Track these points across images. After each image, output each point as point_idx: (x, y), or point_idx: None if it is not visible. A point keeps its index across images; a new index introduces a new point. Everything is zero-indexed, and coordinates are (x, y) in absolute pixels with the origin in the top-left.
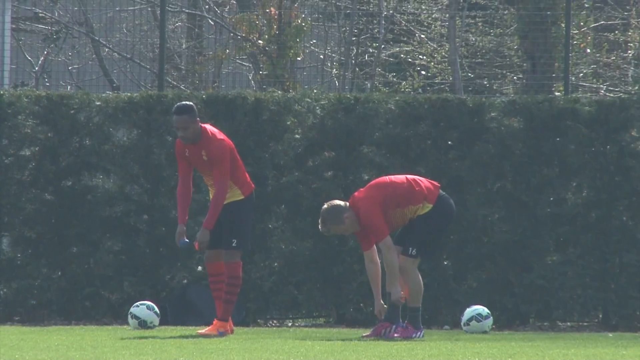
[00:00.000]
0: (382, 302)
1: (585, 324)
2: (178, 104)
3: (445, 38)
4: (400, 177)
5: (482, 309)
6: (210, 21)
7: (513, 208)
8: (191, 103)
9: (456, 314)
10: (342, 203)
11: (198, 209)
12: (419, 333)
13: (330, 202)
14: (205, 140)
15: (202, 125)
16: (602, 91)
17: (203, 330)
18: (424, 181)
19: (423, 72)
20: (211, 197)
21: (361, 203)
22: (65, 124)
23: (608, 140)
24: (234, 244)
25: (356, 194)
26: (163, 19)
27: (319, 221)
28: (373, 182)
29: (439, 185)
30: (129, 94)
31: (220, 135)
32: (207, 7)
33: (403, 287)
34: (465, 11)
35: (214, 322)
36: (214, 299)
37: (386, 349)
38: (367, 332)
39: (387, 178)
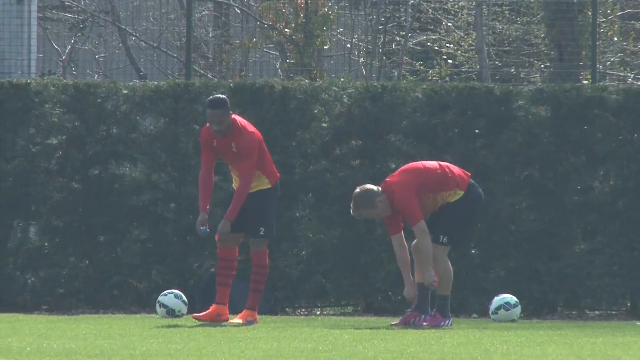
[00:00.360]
0: (412, 286)
1: (613, 312)
2: (212, 97)
3: (472, 26)
4: (433, 163)
5: (510, 298)
6: (237, 9)
7: (540, 196)
8: (225, 97)
9: (484, 302)
10: (374, 187)
11: (226, 197)
12: (447, 321)
13: (363, 186)
14: (236, 133)
15: (232, 116)
16: (630, 79)
17: (232, 319)
18: (455, 168)
19: (450, 61)
20: (235, 187)
21: (395, 187)
22: (92, 112)
23: (635, 128)
24: (261, 232)
25: (388, 179)
26: (190, 7)
27: (351, 205)
28: (406, 166)
29: (469, 174)
30: (156, 83)
31: (250, 127)
32: None
33: (435, 273)
34: None
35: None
36: (217, 284)
37: (414, 338)
38: (396, 320)
39: (420, 164)
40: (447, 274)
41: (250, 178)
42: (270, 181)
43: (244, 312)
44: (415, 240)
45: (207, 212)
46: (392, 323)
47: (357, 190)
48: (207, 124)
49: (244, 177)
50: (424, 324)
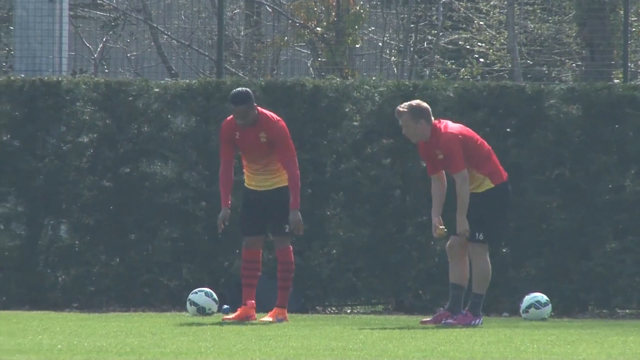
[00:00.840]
0: (439, 219)
1: None
2: (234, 92)
3: (503, 25)
4: (484, 141)
5: (541, 296)
6: (268, 8)
7: (571, 195)
8: (247, 90)
9: (515, 301)
10: (429, 112)
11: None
12: (477, 320)
13: (423, 103)
14: (264, 122)
15: (257, 107)
16: None
17: (263, 317)
18: (497, 162)
19: (482, 59)
20: (247, 183)
21: (448, 129)
22: (123, 110)
23: None
24: (286, 230)
25: (445, 120)
26: (221, 5)
27: (402, 105)
28: (464, 126)
29: (507, 174)
30: (187, 81)
31: (277, 117)
32: None
33: (465, 272)
34: None
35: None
36: (243, 285)
37: (445, 336)
38: (428, 317)
39: (474, 133)
40: (484, 273)
41: (295, 164)
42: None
43: (274, 310)
44: (450, 239)
45: (229, 207)
46: (423, 320)
47: (418, 101)
48: (228, 117)
49: (289, 165)
50: (454, 322)
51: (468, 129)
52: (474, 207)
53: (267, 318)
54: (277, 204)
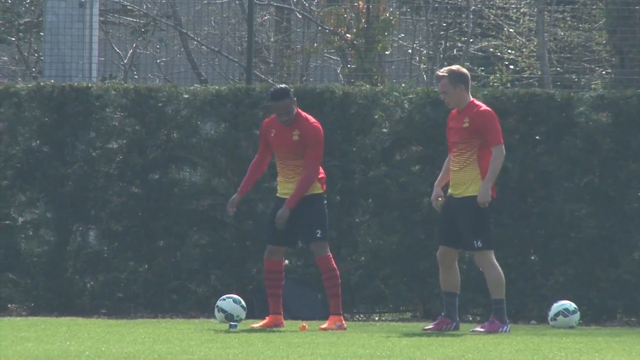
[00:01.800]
0: (440, 190)
1: None
2: (274, 89)
3: (533, 32)
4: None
5: (569, 304)
6: (298, 14)
7: (600, 203)
8: (286, 86)
9: (543, 308)
10: (469, 79)
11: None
12: (505, 327)
13: (462, 68)
14: (301, 122)
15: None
16: None
17: (322, 325)
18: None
19: (511, 67)
20: (279, 192)
21: (488, 107)
22: (152, 116)
23: None
24: (318, 235)
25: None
26: (251, 12)
27: (442, 69)
28: None
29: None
30: (217, 87)
31: (314, 119)
32: (295, 0)
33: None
34: (553, 5)
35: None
36: (269, 295)
37: (472, 344)
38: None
39: None
40: (496, 278)
41: (316, 168)
42: (322, 186)
43: (330, 318)
44: (440, 248)
45: (243, 196)
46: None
47: (458, 66)
48: (270, 117)
49: (310, 167)
50: (481, 329)
51: None
52: (463, 215)
53: (325, 325)
54: (305, 212)
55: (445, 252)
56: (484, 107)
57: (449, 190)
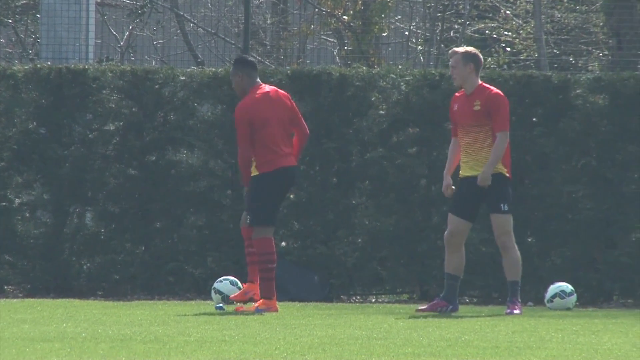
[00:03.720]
0: (450, 177)
1: None
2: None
3: (530, 14)
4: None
5: (566, 286)
6: None
7: (598, 185)
8: (243, 57)
9: (540, 290)
10: (481, 62)
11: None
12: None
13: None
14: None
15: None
16: None
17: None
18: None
19: (508, 49)
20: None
21: (499, 91)
22: (149, 98)
23: None
24: (247, 220)
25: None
26: None
27: (458, 49)
28: None
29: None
30: (213, 69)
31: (248, 98)
32: None
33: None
34: None
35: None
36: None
37: (469, 325)
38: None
39: None
40: (516, 259)
41: (239, 151)
42: (259, 168)
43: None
44: (448, 229)
45: None
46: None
47: (474, 49)
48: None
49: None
50: (515, 312)
51: None
52: (489, 188)
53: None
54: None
55: (456, 229)
56: (495, 90)
57: (463, 173)
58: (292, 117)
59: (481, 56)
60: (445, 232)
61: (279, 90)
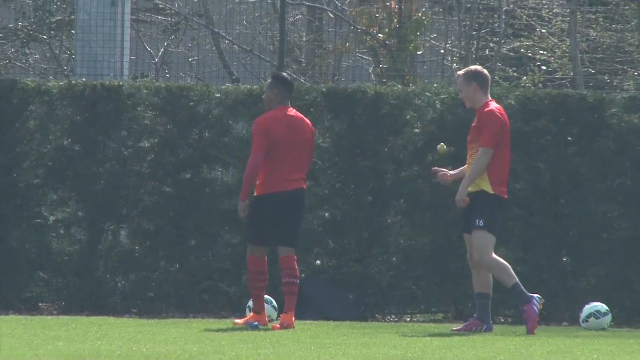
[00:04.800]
0: (464, 192)
1: None
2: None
3: (566, 33)
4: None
5: (601, 306)
6: (330, 14)
7: (633, 204)
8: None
9: (575, 310)
10: (484, 78)
11: (316, 202)
12: (526, 307)
13: (482, 69)
14: None
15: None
16: None
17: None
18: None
19: (543, 67)
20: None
21: (494, 107)
22: (184, 115)
23: None
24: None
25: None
26: (283, 11)
27: (465, 70)
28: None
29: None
30: (248, 86)
31: (267, 115)
32: (327, 0)
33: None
34: (586, 6)
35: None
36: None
37: (504, 345)
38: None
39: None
40: (501, 268)
41: (249, 162)
42: (256, 189)
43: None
44: (470, 250)
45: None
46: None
47: (476, 66)
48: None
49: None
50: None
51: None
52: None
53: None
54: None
55: (470, 247)
56: (490, 107)
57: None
58: (309, 150)
59: (485, 72)
60: (467, 254)
61: (305, 119)
